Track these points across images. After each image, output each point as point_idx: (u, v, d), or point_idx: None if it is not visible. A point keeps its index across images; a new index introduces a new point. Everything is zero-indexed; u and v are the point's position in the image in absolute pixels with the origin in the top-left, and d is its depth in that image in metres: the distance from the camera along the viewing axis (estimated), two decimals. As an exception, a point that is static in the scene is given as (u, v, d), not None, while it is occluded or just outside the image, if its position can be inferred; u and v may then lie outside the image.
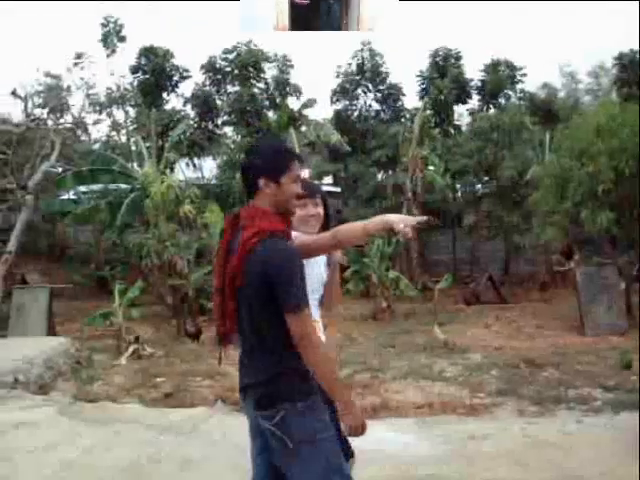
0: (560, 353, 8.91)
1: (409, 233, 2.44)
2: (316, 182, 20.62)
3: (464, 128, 21.27)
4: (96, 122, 18.95)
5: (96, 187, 16.53)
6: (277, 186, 2.51)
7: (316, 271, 2.86)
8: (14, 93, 14.34)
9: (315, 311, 2.86)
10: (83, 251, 19.50)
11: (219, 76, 20.85)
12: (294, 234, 2.72)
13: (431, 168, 19.13)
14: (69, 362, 8.45)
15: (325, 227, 2.93)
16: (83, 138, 19.37)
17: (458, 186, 20.05)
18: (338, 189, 22.24)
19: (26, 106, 14.54)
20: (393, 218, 2.49)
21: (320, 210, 2.90)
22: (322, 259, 2.93)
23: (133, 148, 16.66)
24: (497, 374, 7.77)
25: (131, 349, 9.57)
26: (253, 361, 2.55)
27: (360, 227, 2.57)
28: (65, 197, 18.88)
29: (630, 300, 11.39)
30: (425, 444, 4.59)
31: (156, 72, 20.66)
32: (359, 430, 2.49)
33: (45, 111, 16.45)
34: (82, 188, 17.04)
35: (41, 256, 20.04)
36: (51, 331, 11.23)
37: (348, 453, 2.85)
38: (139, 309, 13.28)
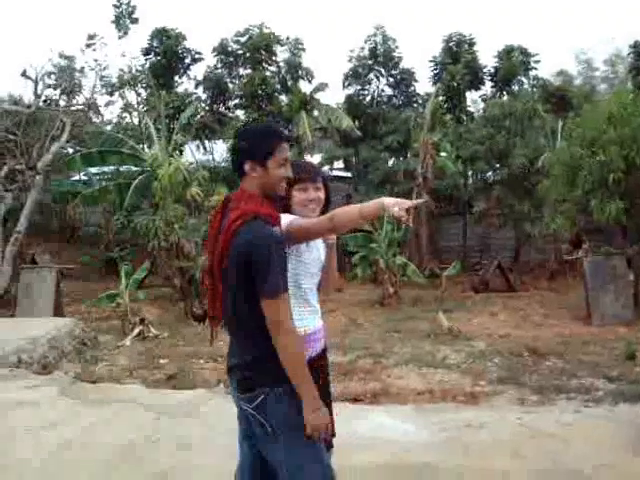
0: (565, 342, 8.87)
1: (404, 216, 2.40)
2: (327, 167, 20.66)
3: (477, 115, 21.08)
4: (107, 104, 19.02)
5: (107, 169, 16.58)
6: (263, 170, 2.50)
7: (315, 255, 2.85)
8: (24, 74, 14.33)
9: (313, 296, 2.86)
10: (93, 232, 19.57)
11: (231, 59, 20.75)
12: (291, 217, 2.70)
13: (443, 154, 19.02)
14: (74, 343, 8.51)
15: (325, 211, 2.91)
16: (95, 120, 19.40)
17: (470, 173, 19.89)
18: (349, 174, 22.18)
19: (36, 87, 14.55)
20: (388, 201, 2.44)
21: (321, 194, 2.86)
22: (321, 243, 2.92)
23: (144, 130, 16.67)
24: (500, 362, 7.76)
25: (136, 330, 9.63)
26: (236, 343, 2.55)
27: (356, 210, 2.54)
28: (76, 178, 18.97)
29: (638, 291, 11.28)
30: (423, 432, 4.57)
31: (168, 54, 20.58)
32: (322, 430, 2.39)
33: (57, 92, 16.50)
34: (93, 169, 17.09)
35: (52, 237, 20.18)
36: (58, 311, 11.26)
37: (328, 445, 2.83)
38: (147, 291, 13.41)
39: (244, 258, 2.34)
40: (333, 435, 2.98)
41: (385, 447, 4.24)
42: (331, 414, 3.01)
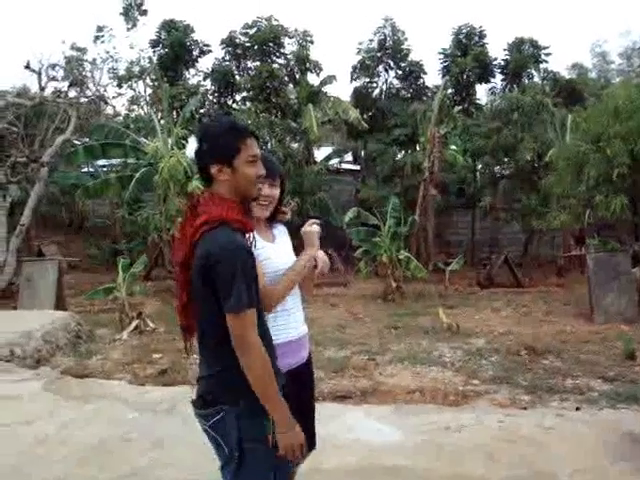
0: (564, 341, 8.73)
1: None
2: (336, 160, 20.55)
3: (485, 108, 20.85)
4: (115, 96, 19.04)
5: (115, 161, 16.59)
6: (232, 171, 2.29)
7: (284, 259, 2.72)
8: (28, 66, 14.28)
9: (293, 300, 2.74)
10: (101, 224, 19.63)
11: (239, 51, 20.66)
12: None
13: (453, 148, 18.84)
14: (69, 336, 8.50)
15: (277, 207, 2.80)
16: (109, 112, 19.41)
17: (479, 167, 19.68)
18: (357, 167, 22.07)
19: (40, 79, 14.51)
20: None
21: (276, 192, 2.73)
22: (289, 246, 2.82)
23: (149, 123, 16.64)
24: (496, 361, 7.64)
25: (133, 324, 9.60)
26: (201, 354, 2.37)
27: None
28: (85, 170, 19.03)
29: (643, 288, 11.05)
30: (398, 433, 4.47)
31: (176, 46, 20.52)
32: (294, 451, 2.22)
33: (65, 84, 16.51)
34: (102, 162, 17.11)
35: (61, 228, 20.30)
36: (60, 304, 11.25)
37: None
38: (154, 284, 13.40)
39: (207, 270, 2.15)
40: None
41: (356, 449, 4.15)
42: (312, 427, 2.87)
